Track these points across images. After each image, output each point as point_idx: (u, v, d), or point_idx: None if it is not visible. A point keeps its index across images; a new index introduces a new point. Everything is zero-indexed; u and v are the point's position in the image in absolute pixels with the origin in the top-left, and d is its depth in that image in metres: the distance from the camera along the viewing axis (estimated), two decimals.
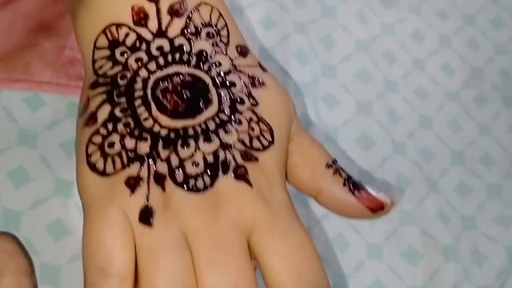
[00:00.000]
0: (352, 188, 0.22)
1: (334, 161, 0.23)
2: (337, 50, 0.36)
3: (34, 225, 0.29)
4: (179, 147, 0.20)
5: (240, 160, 0.20)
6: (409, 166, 0.34)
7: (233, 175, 0.20)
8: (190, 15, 0.22)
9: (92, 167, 0.19)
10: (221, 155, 0.20)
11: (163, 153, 0.19)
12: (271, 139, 0.21)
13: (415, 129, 0.35)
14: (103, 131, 0.20)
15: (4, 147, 0.30)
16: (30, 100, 0.30)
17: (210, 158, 0.20)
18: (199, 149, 0.20)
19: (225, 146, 0.20)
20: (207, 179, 0.19)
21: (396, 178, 0.34)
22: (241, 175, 0.20)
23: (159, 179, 0.19)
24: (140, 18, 0.21)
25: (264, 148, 0.21)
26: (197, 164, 0.20)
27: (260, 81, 0.22)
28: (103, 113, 0.20)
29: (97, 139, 0.20)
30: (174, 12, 0.22)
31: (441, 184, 0.34)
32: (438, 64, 0.37)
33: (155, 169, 0.19)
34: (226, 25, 0.23)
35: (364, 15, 0.37)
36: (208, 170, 0.20)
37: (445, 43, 0.38)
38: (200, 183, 0.19)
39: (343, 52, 0.36)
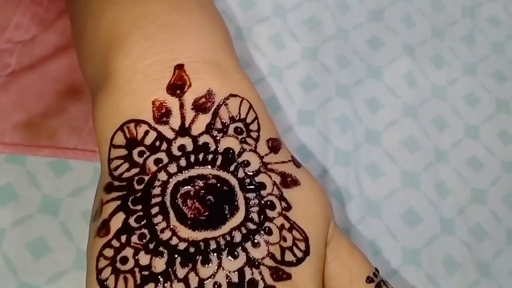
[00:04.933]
0: None
1: (376, 273, 0.20)
2: (382, 115, 0.33)
3: None
4: (199, 264, 0.17)
5: (269, 280, 0.18)
6: (459, 247, 0.31)
7: None
8: (217, 110, 0.20)
9: (102, 284, 0.18)
10: (247, 274, 0.18)
11: (181, 272, 0.17)
12: (306, 250, 0.19)
13: (467, 205, 0.32)
14: (115, 243, 0.18)
15: (26, 215, 0.28)
16: (55, 165, 0.29)
17: (235, 278, 0.17)
18: (221, 266, 0.18)
19: (252, 263, 0.18)
20: None
21: (443, 260, 0.31)
22: None
23: None
24: (162, 114, 0.19)
25: (298, 261, 0.18)
26: (219, 286, 0.17)
27: (293, 179, 0.20)
28: (117, 222, 0.18)
29: (109, 252, 0.18)
30: (199, 107, 0.20)
31: (495, 268, 0.31)
32: (494, 131, 0.34)
33: None
34: (256, 118, 0.20)
35: (413, 76, 0.34)
36: None
37: (502, 108, 0.35)
38: None
39: (389, 117, 0.33)
